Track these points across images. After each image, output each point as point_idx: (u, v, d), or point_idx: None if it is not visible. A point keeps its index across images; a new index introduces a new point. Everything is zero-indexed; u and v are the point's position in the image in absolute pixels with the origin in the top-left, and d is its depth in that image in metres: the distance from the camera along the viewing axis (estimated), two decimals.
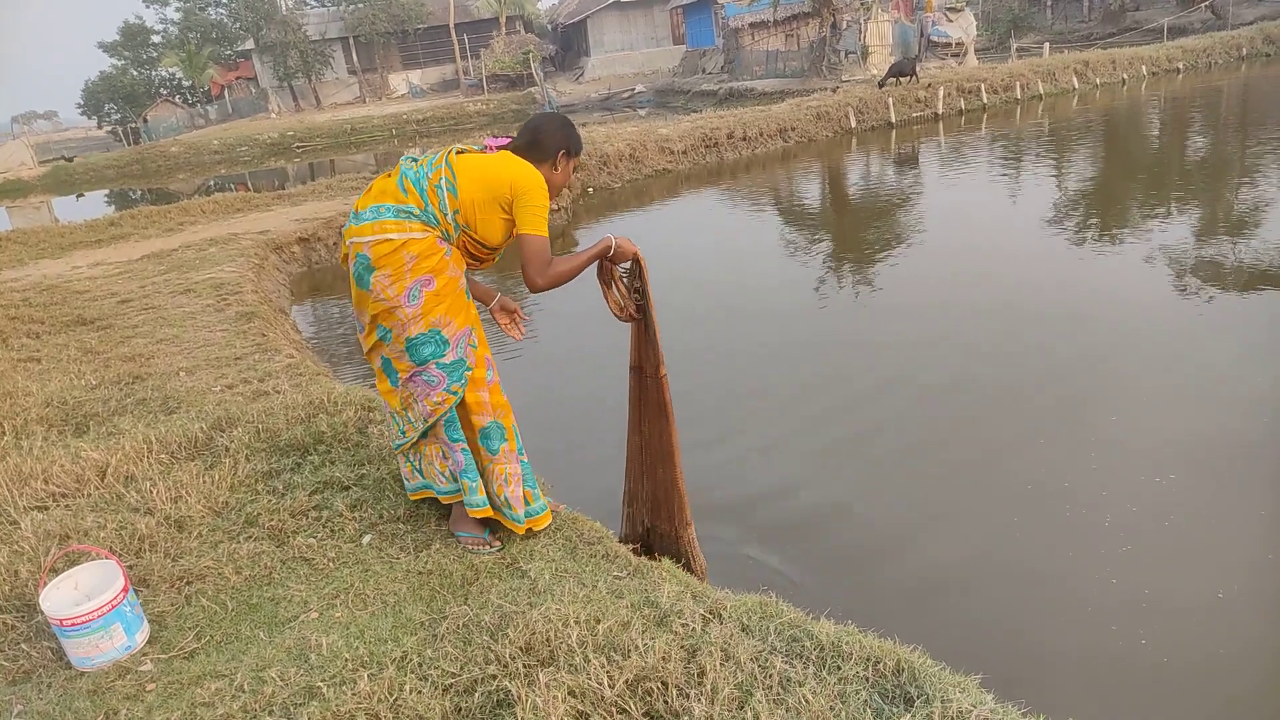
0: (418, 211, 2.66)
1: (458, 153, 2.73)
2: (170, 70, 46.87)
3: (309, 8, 46.55)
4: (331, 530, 3.10)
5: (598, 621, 2.29)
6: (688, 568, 3.13)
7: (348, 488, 3.36)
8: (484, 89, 41.12)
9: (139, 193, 29.35)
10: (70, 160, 35.02)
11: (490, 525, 3.00)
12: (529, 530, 2.95)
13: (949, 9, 26.34)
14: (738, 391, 5.72)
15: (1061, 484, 4.06)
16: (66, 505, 3.46)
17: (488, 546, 2.92)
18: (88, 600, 2.48)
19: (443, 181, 2.65)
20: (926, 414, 5.07)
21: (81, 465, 3.71)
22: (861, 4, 26.37)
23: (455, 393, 2.77)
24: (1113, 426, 4.61)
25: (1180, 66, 19.75)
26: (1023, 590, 3.48)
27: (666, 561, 2.69)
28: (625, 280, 3.01)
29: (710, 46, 34.47)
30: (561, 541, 2.93)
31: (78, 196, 29.45)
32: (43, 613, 2.56)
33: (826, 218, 11.53)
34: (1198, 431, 4.51)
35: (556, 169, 2.83)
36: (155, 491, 3.37)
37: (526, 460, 2.98)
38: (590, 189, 13.66)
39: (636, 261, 2.94)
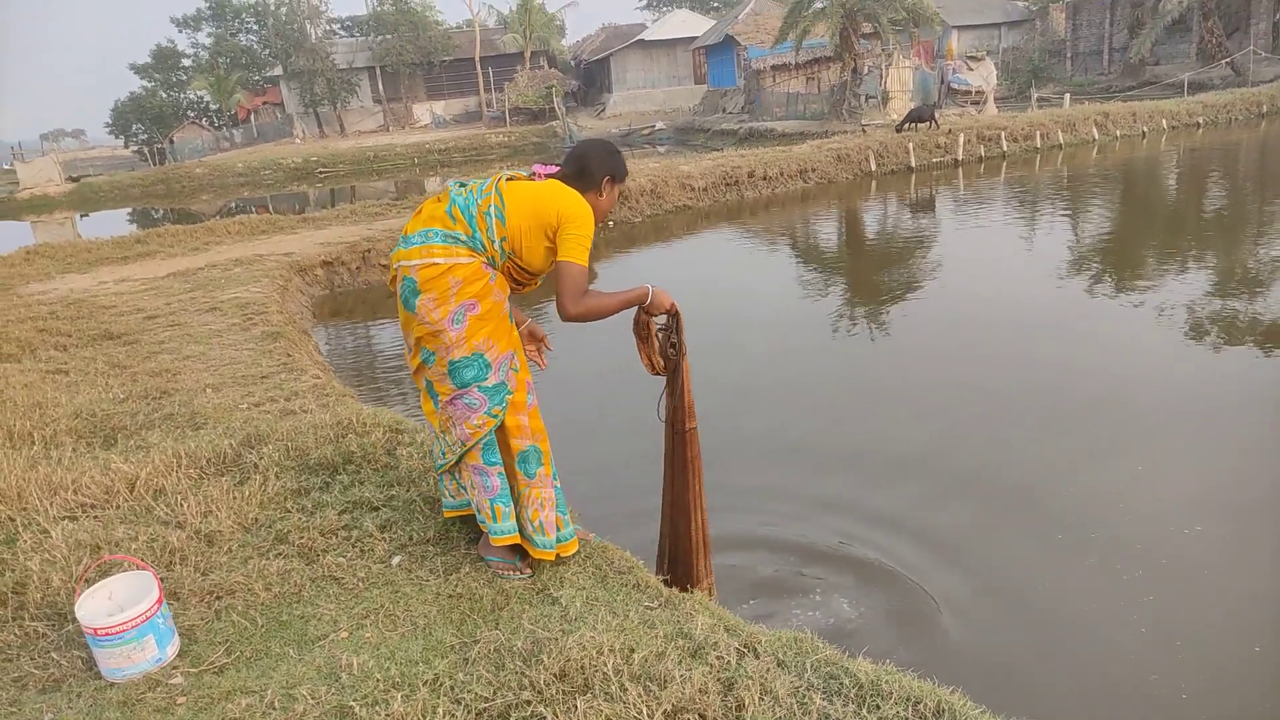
0: (465, 237, 2.70)
1: (507, 179, 2.77)
2: (199, 93, 47.71)
3: (338, 37, 47.35)
4: (361, 550, 3.10)
5: (632, 651, 2.28)
6: None
7: (377, 508, 3.37)
8: (506, 121, 41.61)
9: (161, 212, 29.71)
10: (77, 180, 35.42)
11: (519, 550, 3.00)
12: (558, 557, 2.95)
13: (970, 58, 26.61)
14: (753, 431, 5.72)
15: (1089, 534, 4.03)
16: (96, 516, 3.48)
17: (517, 572, 2.92)
18: (121, 611, 2.48)
19: (492, 209, 2.69)
20: (947, 456, 5.05)
21: (111, 477, 3.73)
22: (883, 50, 26.68)
23: (496, 416, 2.78)
24: (1138, 478, 4.58)
25: (1200, 121, 19.84)
26: (1056, 635, 3.44)
27: (698, 594, 2.68)
28: (661, 335, 2.98)
29: (731, 86, 34.87)
30: (592, 570, 2.92)
31: (81, 215, 29.75)
32: (77, 621, 2.57)
33: (848, 260, 11.58)
34: (1220, 482, 4.48)
35: (602, 195, 2.87)
36: (186, 506, 3.38)
37: (559, 486, 2.99)
38: (611, 222, 13.75)
39: (674, 315, 2.93)
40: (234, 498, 3.47)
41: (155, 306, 8.25)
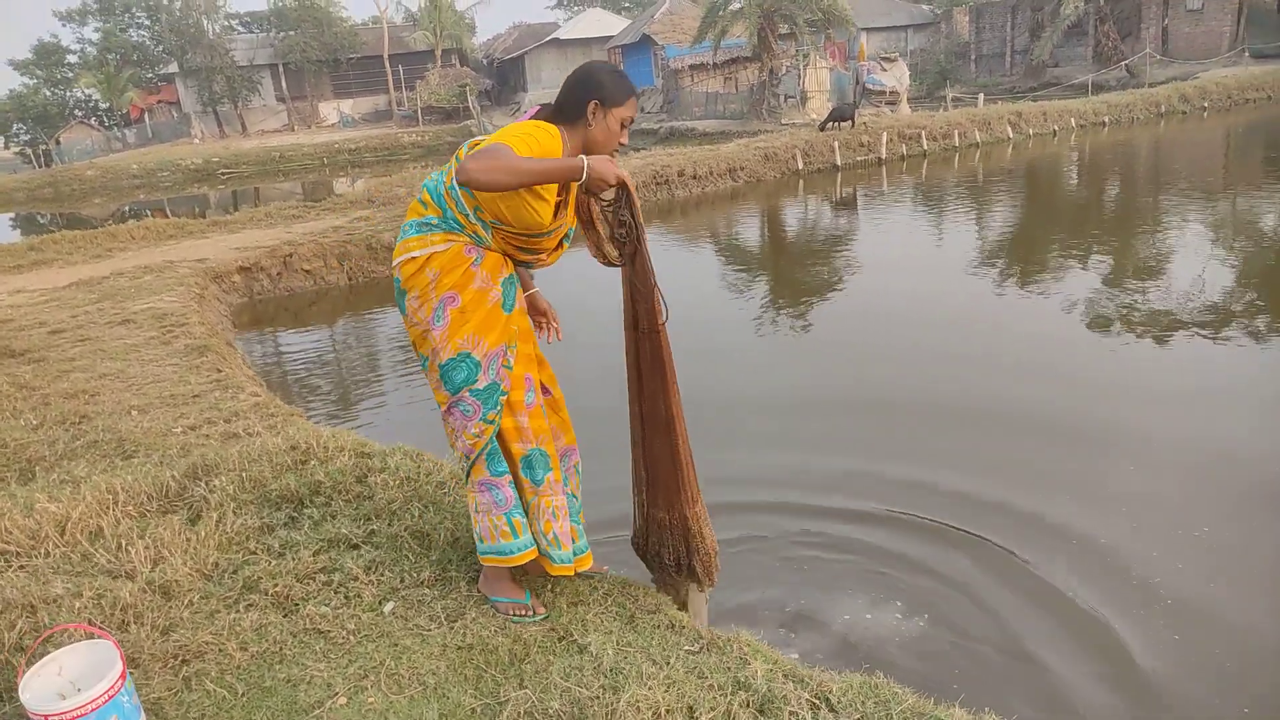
0: (437, 221, 2.45)
1: (470, 146, 2.46)
2: (87, 91, 45.12)
3: (237, 33, 45.40)
4: (346, 597, 2.74)
5: (693, 711, 2.01)
6: (696, 552, 2.72)
7: (357, 546, 3.00)
8: (419, 120, 40.58)
9: (48, 217, 27.94)
10: None
11: (531, 587, 2.70)
12: (575, 572, 2.68)
13: (883, 58, 27.06)
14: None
15: (1099, 540, 3.92)
16: (23, 566, 3.02)
17: (530, 613, 2.61)
18: (77, 691, 2.08)
19: (455, 180, 2.36)
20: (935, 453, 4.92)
21: (37, 519, 3.27)
22: (798, 51, 26.95)
23: (492, 421, 2.51)
24: (1130, 477, 4.53)
25: (1106, 120, 20.60)
26: (1089, 660, 3.31)
27: (744, 633, 2.42)
28: (609, 213, 2.50)
29: (649, 86, 34.73)
30: (615, 609, 2.63)
31: None
32: (16, 703, 2.16)
33: (793, 258, 11.51)
34: (1213, 475, 4.47)
35: (591, 125, 2.43)
36: (133, 551, 2.95)
37: (573, 494, 2.74)
38: None
39: (624, 188, 2.43)
40: (187, 539, 3.06)
41: (59, 320, 7.57)
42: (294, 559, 2.93)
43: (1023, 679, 3.10)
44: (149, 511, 3.40)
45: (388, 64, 42.83)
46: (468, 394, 2.49)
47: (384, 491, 3.34)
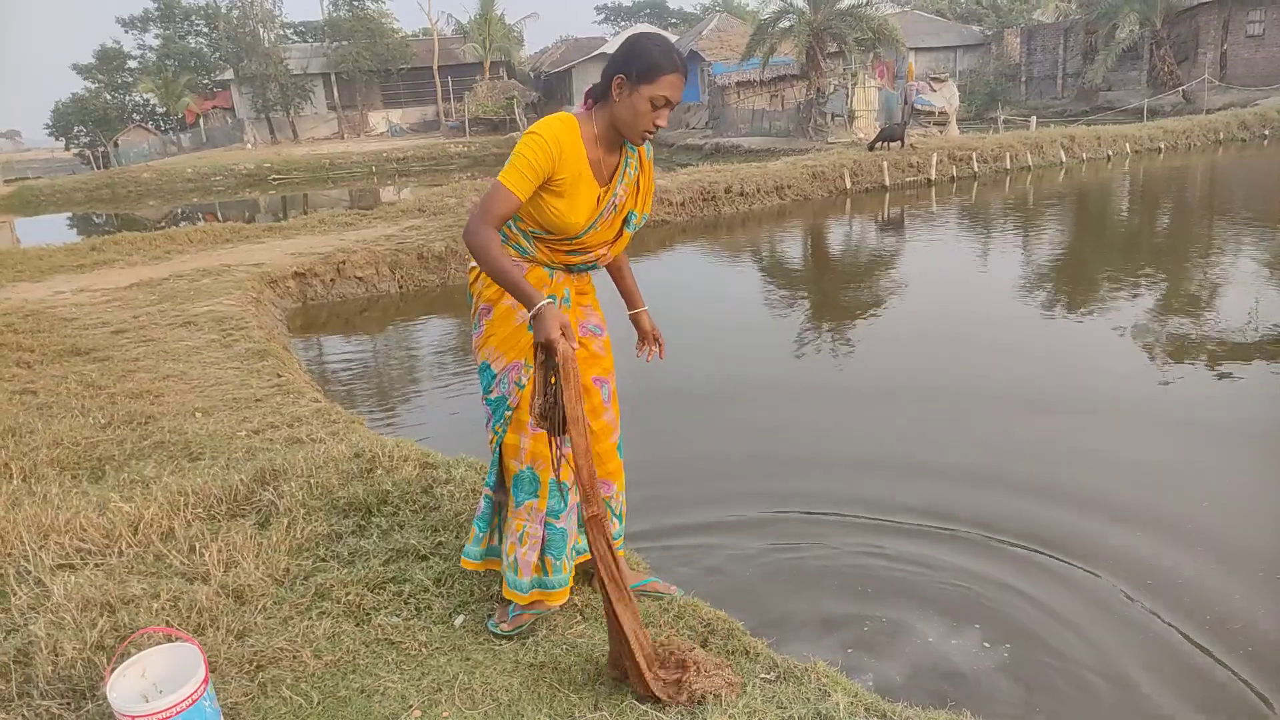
0: None
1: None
2: (145, 96, 46.25)
3: (291, 42, 46.35)
4: (417, 608, 2.75)
5: None
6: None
7: (425, 557, 3.02)
8: (466, 131, 41.05)
9: (103, 217, 28.64)
10: (14, 183, 34.09)
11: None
12: (533, 603, 2.60)
13: (933, 79, 26.90)
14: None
15: (1146, 578, 3.80)
16: (99, 565, 3.07)
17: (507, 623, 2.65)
18: (160, 693, 2.11)
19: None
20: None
21: (111, 518, 3.33)
22: (846, 69, 26.87)
23: (497, 433, 2.55)
24: (1141, 502, 4.40)
25: (1161, 146, 20.24)
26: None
27: (820, 663, 2.38)
28: (539, 372, 2.27)
29: (695, 102, 34.83)
30: (687, 632, 2.61)
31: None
32: (100, 700, 2.20)
33: (848, 277, 11.43)
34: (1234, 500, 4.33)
35: (617, 102, 2.31)
36: (207, 554, 2.99)
37: (563, 527, 2.57)
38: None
39: (550, 357, 2.21)
40: (259, 544, 3.09)
41: (122, 320, 7.73)
42: (364, 567, 2.94)
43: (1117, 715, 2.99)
44: (218, 515, 3.45)
45: (437, 75, 43.42)
46: (484, 400, 2.60)
47: (450, 503, 3.35)
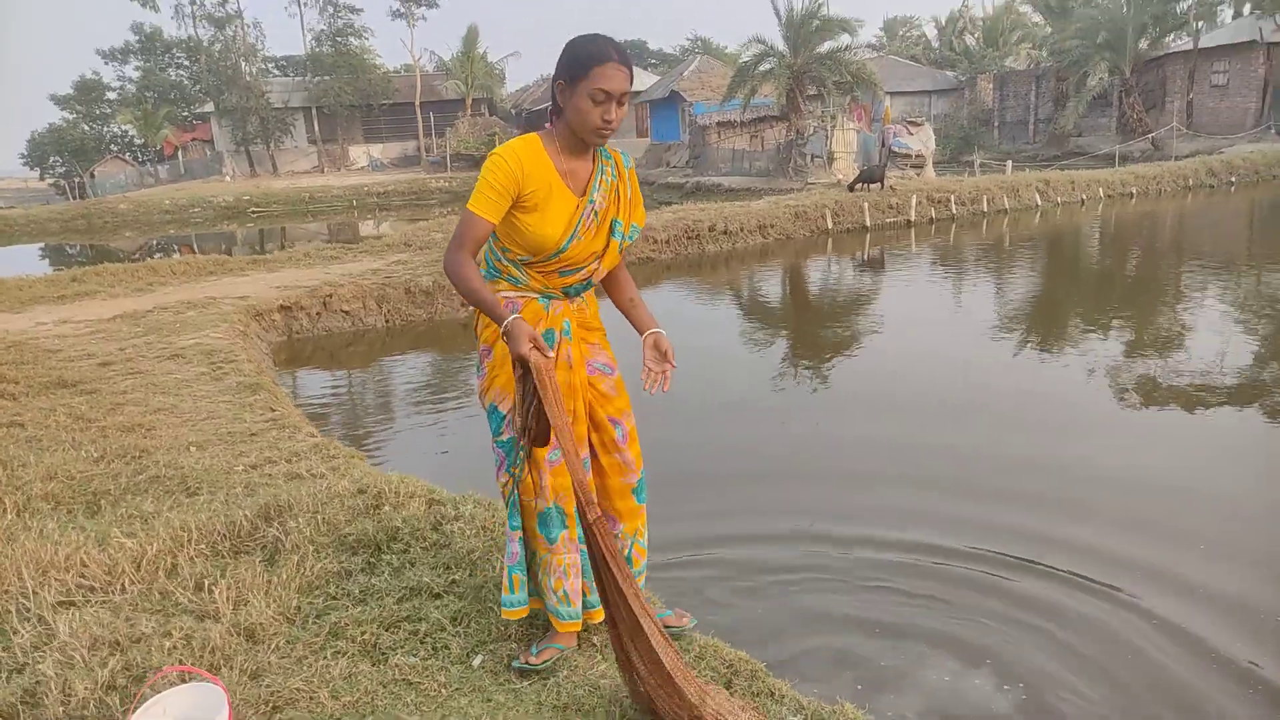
0: (486, 270, 2.53)
1: None
2: (123, 127, 46.12)
3: (273, 76, 46.46)
4: (433, 648, 2.71)
5: None
6: None
7: (439, 595, 2.98)
8: (447, 166, 41.22)
9: (77, 248, 28.37)
10: None
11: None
12: (585, 625, 2.67)
13: (910, 122, 27.40)
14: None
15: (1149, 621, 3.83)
16: (103, 602, 3.01)
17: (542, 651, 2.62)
18: None
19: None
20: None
21: (112, 553, 3.26)
22: (824, 112, 27.35)
23: (514, 474, 2.52)
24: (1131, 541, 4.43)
25: (1133, 191, 20.72)
26: None
27: (849, 706, 2.37)
28: (519, 387, 2.28)
29: (675, 141, 35.23)
30: (709, 673, 2.59)
31: None
32: None
33: (830, 317, 11.53)
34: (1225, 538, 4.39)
35: (565, 107, 2.32)
36: (217, 592, 2.94)
37: (585, 550, 2.60)
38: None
39: (526, 373, 2.23)
40: (268, 581, 3.04)
41: (108, 351, 7.63)
42: (378, 606, 2.90)
43: None
44: (222, 551, 3.39)
45: (419, 111, 43.67)
46: (494, 443, 2.57)
47: (462, 540, 3.32)
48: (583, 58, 2.27)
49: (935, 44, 50.75)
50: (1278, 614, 3.75)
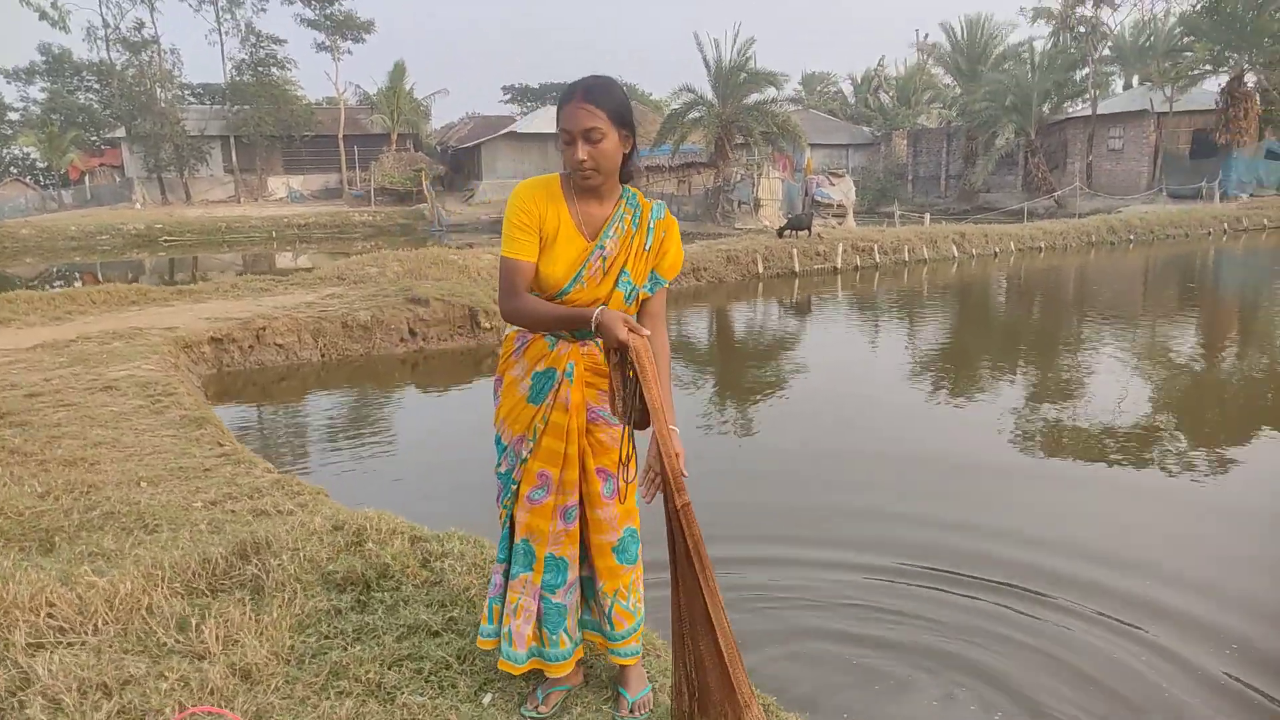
0: None
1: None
2: (25, 149, 44.15)
3: (189, 103, 45.24)
4: (440, 686, 2.67)
5: None
6: None
7: (438, 633, 2.94)
8: (371, 200, 40.68)
9: None
10: None
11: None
12: (531, 672, 2.61)
13: (832, 173, 28.39)
14: None
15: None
16: (83, 644, 2.86)
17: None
18: None
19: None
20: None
21: (81, 593, 3.11)
22: (749, 160, 28.14)
23: (506, 506, 2.55)
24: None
25: (1042, 245, 21.85)
26: None
27: None
28: (616, 374, 2.29)
29: None
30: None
31: None
32: None
33: (751, 355, 11.77)
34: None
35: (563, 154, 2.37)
36: (205, 630, 2.83)
37: (561, 602, 2.53)
38: None
39: (623, 354, 2.23)
40: (257, 620, 2.95)
41: (33, 382, 7.26)
42: (376, 645, 2.85)
43: None
44: (197, 589, 3.27)
45: (342, 144, 43.08)
46: (495, 473, 2.59)
47: (454, 577, 3.28)
48: (559, 101, 2.33)
49: (851, 100, 52.80)
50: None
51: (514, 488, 2.51)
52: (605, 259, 2.38)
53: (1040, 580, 4.49)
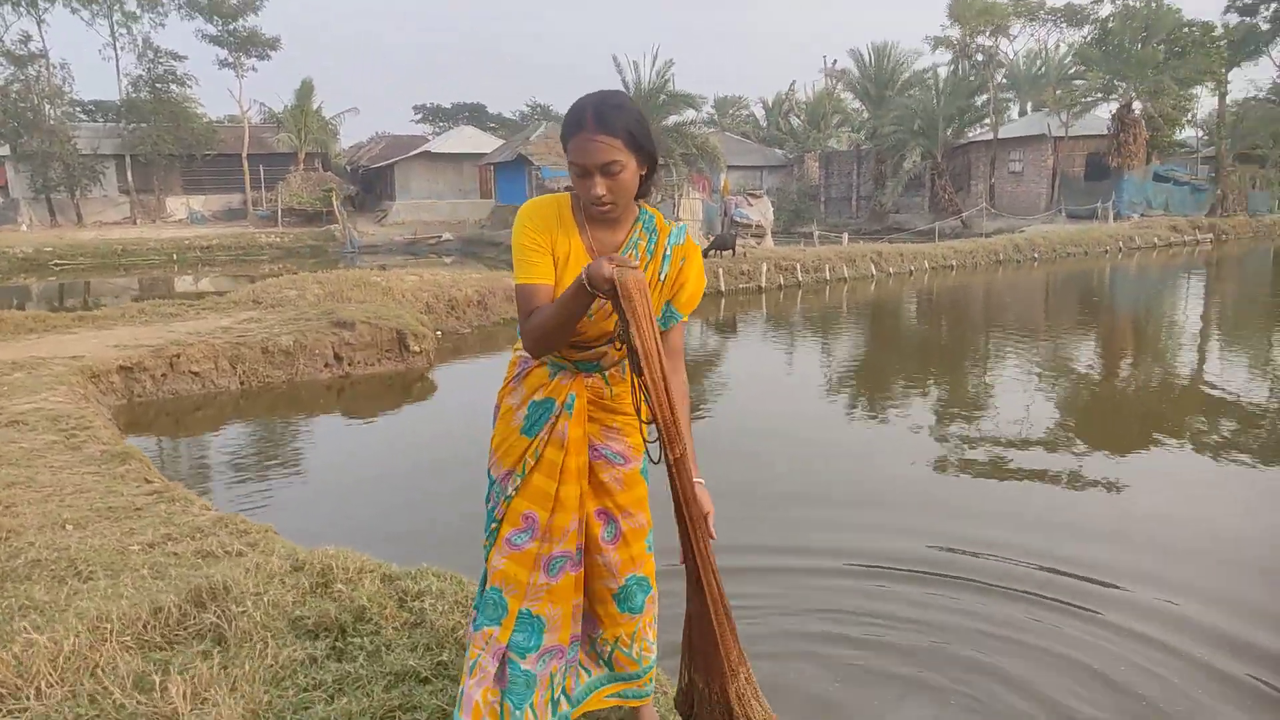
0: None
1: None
2: None
3: (81, 121, 43.14)
4: None
5: None
6: None
7: (428, 680, 2.74)
8: (278, 221, 39.39)
9: None
10: None
11: None
12: None
13: (750, 194, 28.81)
14: None
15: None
16: (21, 710, 2.57)
17: None
18: None
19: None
20: None
21: (18, 652, 2.81)
22: (669, 182, 28.33)
23: (484, 547, 2.35)
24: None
25: (954, 264, 22.62)
26: None
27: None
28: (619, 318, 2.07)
29: (522, 203, 35.31)
30: None
31: None
32: None
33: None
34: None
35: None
36: (173, 688, 2.57)
37: (530, 671, 2.24)
38: (439, 331, 13.14)
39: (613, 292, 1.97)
40: (227, 675, 2.70)
41: None
42: (363, 696, 2.63)
43: None
44: (151, 643, 2.99)
45: (246, 163, 41.68)
46: (486, 506, 2.39)
47: (437, 616, 3.08)
48: (566, 125, 2.10)
49: (763, 123, 53.85)
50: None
51: (493, 527, 2.30)
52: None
53: (958, 569, 4.51)
